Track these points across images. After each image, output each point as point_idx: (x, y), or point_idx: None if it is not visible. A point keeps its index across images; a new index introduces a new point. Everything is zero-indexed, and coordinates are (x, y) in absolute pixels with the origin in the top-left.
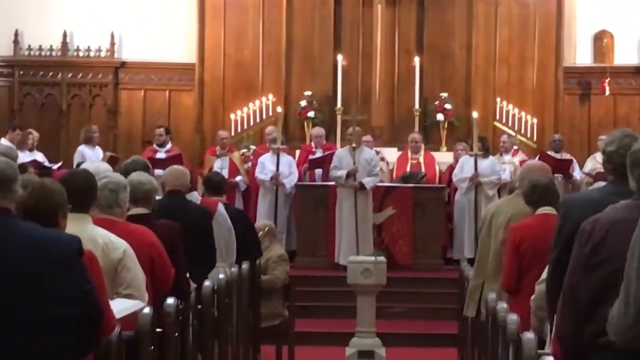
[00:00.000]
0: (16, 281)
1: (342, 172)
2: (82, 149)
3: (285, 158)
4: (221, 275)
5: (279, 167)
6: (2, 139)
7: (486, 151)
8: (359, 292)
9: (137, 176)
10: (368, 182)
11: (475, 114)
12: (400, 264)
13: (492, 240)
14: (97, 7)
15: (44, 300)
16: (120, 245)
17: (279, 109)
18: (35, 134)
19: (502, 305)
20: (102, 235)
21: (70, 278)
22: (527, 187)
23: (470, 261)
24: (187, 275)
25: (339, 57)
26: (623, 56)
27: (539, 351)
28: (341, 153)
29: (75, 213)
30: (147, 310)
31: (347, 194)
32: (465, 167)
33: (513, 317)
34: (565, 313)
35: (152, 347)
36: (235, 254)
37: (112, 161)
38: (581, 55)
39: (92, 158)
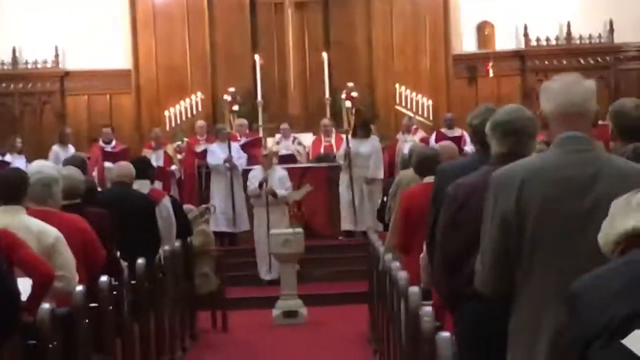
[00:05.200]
0: None
1: (255, 185)
2: (56, 148)
3: (233, 144)
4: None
5: (230, 151)
6: None
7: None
8: (281, 260)
9: (67, 170)
10: (281, 193)
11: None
12: (320, 234)
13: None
14: (41, 23)
15: None
16: (52, 232)
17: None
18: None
19: (395, 264)
20: (36, 224)
21: None
22: (415, 159)
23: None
24: (118, 255)
25: (257, 57)
26: (503, 43)
27: (423, 302)
28: (255, 172)
29: (9, 205)
30: (80, 287)
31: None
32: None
33: (402, 274)
34: (437, 266)
35: (87, 321)
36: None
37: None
38: (467, 43)
39: (62, 157)
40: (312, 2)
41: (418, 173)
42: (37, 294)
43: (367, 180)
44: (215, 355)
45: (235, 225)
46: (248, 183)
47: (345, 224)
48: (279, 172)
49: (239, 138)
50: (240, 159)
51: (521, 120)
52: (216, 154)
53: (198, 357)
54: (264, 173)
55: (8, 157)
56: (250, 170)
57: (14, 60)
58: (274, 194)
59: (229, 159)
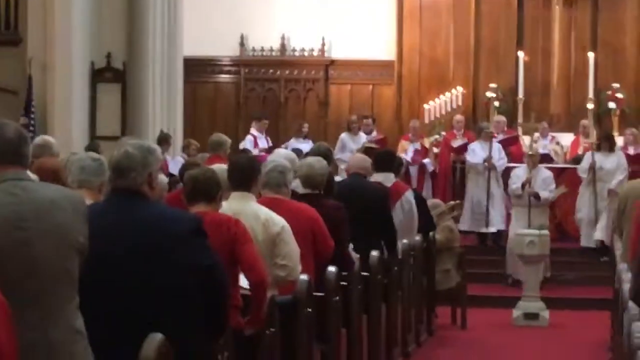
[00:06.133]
0: (142, 252)
1: (517, 185)
2: (344, 136)
3: (495, 144)
4: None
5: (490, 151)
6: (252, 128)
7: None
8: (524, 261)
9: (312, 161)
10: (544, 195)
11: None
12: (571, 236)
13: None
14: (310, 14)
15: (163, 269)
16: (279, 222)
17: None
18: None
19: (627, 275)
20: (264, 212)
21: (189, 253)
22: None
23: None
24: (351, 247)
25: (521, 54)
26: None
27: None
28: (519, 171)
29: (240, 192)
30: (304, 277)
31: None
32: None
33: (627, 285)
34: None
35: (310, 309)
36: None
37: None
38: None
39: (350, 145)
40: (581, 0)
41: None
42: (255, 298)
43: (608, 191)
44: (449, 352)
45: (488, 224)
46: (510, 182)
47: (584, 241)
48: (544, 173)
49: (495, 135)
50: (500, 159)
51: None
52: (476, 152)
53: (433, 352)
54: (528, 173)
55: (292, 142)
56: (513, 168)
57: (282, 47)
58: (537, 196)
59: (488, 159)
